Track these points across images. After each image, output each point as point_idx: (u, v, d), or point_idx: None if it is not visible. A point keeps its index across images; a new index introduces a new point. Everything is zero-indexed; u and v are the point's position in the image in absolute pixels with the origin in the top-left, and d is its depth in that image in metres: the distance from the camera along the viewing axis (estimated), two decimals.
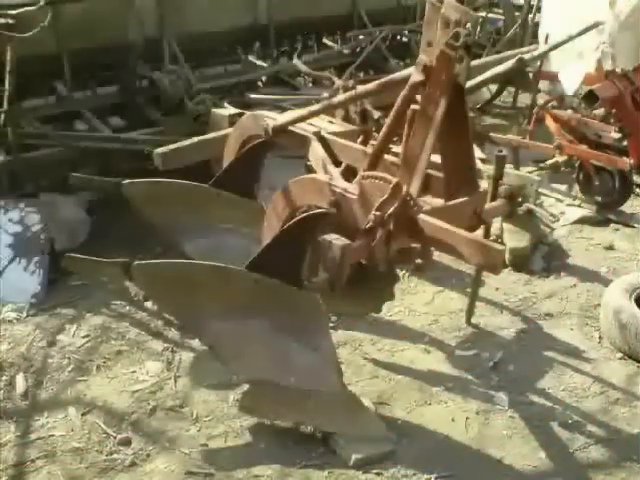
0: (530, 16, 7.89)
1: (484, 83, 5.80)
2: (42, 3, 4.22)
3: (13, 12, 4.08)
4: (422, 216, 2.80)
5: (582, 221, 5.20)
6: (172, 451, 3.06)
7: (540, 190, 5.18)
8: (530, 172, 5.58)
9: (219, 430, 3.17)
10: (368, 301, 3.59)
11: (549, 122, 5.52)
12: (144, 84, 5.19)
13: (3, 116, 4.26)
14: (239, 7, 5.90)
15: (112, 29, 5.00)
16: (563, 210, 5.34)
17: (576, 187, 5.54)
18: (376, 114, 3.87)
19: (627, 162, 5.09)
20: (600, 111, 5.50)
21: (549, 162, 5.35)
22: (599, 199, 5.36)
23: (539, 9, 7.80)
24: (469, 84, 4.15)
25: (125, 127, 5.00)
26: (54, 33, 4.63)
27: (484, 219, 3.12)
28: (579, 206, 5.39)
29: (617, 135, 5.21)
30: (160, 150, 3.96)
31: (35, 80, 4.84)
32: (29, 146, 4.47)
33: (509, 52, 6.54)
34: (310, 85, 6.51)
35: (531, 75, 6.34)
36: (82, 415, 3.25)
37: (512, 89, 7.27)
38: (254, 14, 6.01)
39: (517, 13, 8.25)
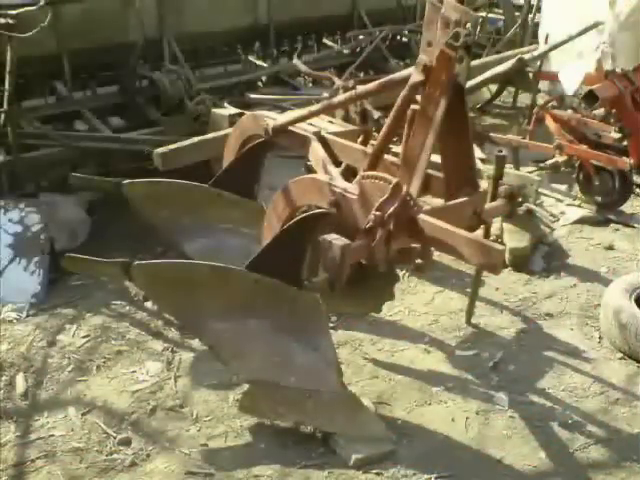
0: (530, 16, 7.89)
1: (484, 83, 5.83)
2: (42, 3, 4.22)
3: (13, 12, 4.07)
4: (422, 216, 2.80)
5: (582, 221, 5.20)
6: (172, 451, 3.05)
7: (540, 190, 5.17)
8: (530, 172, 5.58)
9: (219, 430, 3.17)
10: (368, 301, 3.60)
11: (549, 122, 5.52)
12: (144, 84, 5.20)
13: (3, 116, 4.27)
14: (239, 7, 5.91)
15: (112, 29, 5.01)
16: (563, 210, 5.34)
17: (576, 187, 5.53)
18: (376, 114, 3.88)
19: (627, 162, 5.09)
20: (600, 111, 5.50)
21: (549, 162, 5.35)
22: (599, 199, 5.35)
23: (539, 9, 7.80)
24: (469, 84, 4.17)
25: (125, 127, 5.00)
26: (54, 33, 4.64)
27: (484, 219, 3.12)
28: (579, 206, 5.39)
29: (617, 135, 5.21)
30: (160, 150, 3.97)
31: (35, 80, 4.86)
32: (29, 146, 4.48)
33: (509, 52, 6.58)
34: (310, 85, 6.52)
35: (531, 75, 6.34)
36: (82, 415, 3.25)
37: (512, 89, 7.29)
38: (254, 14, 6.02)
39: (517, 13, 8.25)
